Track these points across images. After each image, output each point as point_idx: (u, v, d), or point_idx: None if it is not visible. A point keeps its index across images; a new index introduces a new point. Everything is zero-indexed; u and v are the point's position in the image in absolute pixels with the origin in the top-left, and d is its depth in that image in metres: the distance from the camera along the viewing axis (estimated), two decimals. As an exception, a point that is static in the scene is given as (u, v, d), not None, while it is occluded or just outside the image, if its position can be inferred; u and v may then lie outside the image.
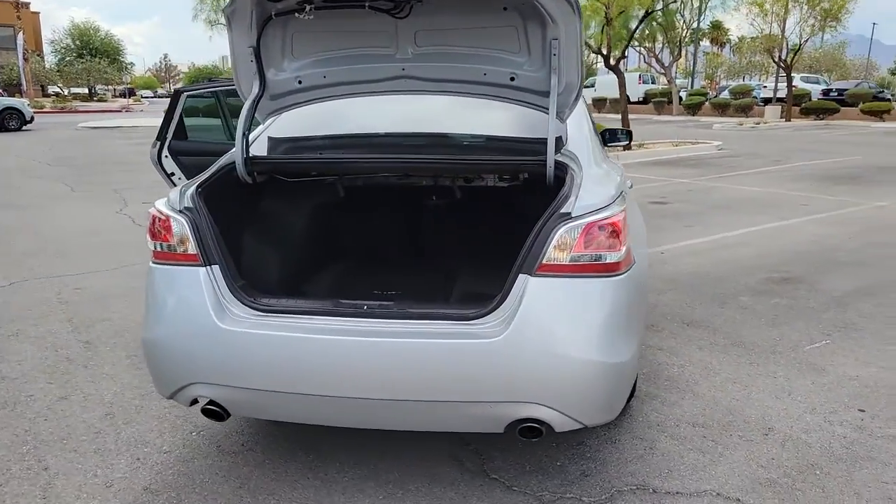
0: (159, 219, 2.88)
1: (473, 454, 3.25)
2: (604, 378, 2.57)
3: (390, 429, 2.95)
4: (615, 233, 2.58)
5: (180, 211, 2.86)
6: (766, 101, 35.38)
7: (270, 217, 3.64)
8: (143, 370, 4.21)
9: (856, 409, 3.68)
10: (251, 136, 3.31)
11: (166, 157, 5.28)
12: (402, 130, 3.55)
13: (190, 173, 5.20)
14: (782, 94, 33.10)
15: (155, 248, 2.88)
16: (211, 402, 2.82)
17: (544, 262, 2.53)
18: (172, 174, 5.30)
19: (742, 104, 33.28)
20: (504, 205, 3.72)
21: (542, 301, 2.52)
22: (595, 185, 2.74)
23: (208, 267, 2.76)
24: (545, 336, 2.51)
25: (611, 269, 2.56)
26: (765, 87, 39.18)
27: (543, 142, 3.32)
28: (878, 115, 28.37)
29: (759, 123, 28.27)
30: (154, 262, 2.88)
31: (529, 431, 2.63)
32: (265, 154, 3.43)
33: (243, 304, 2.75)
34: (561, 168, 2.89)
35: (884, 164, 14.32)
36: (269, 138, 3.52)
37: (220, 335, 2.68)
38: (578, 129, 3.24)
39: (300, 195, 3.78)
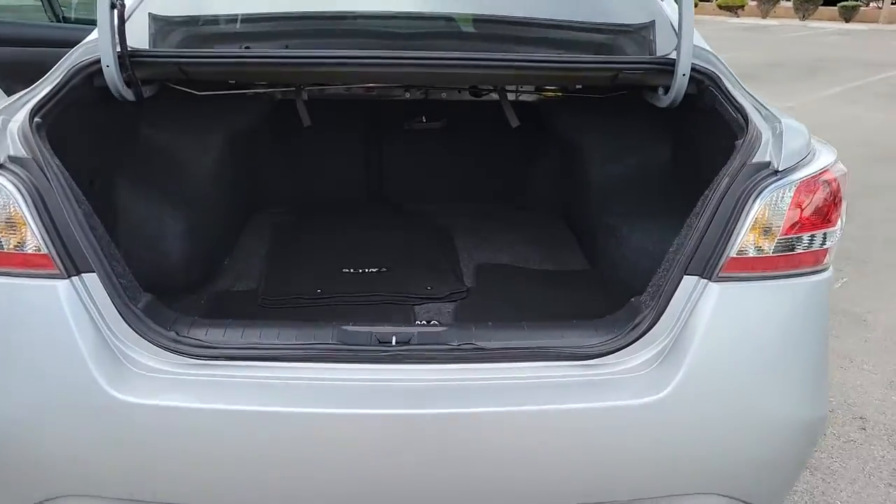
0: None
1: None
2: (811, 441, 1.58)
3: None
4: (835, 196, 1.51)
5: (1, 165, 1.43)
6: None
7: (165, 160, 2.24)
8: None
9: (937, 379, 3.01)
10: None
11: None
12: (387, 9, 2.19)
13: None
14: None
15: (-47, 237, 1.44)
16: None
17: (735, 254, 1.42)
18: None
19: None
20: (527, 130, 2.54)
21: (732, 325, 1.44)
22: (783, 114, 1.64)
23: (75, 278, 1.40)
24: (739, 387, 1.45)
25: (819, 261, 1.51)
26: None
27: (629, 31, 2.13)
28: (734, 10, 29.02)
29: (623, 17, 28.02)
30: None
31: None
32: (149, 47, 1.94)
33: (157, 344, 1.43)
34: (700, 79, 1.75)
35: (766, 62, 14.27)
36: (153, 18, 2.02)
37: (115, 413, 1.38)
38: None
39: (214, 119, 2.38)
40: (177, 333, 1.46)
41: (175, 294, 2.19)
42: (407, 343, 1.47)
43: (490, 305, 2.18)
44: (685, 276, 1.44)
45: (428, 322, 2.09)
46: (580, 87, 2.36)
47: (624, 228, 2.26)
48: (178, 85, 2.04)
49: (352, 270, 2.38)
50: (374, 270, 2.37)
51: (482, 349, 1.46)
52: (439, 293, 2.24)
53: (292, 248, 2.57)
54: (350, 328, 1.51)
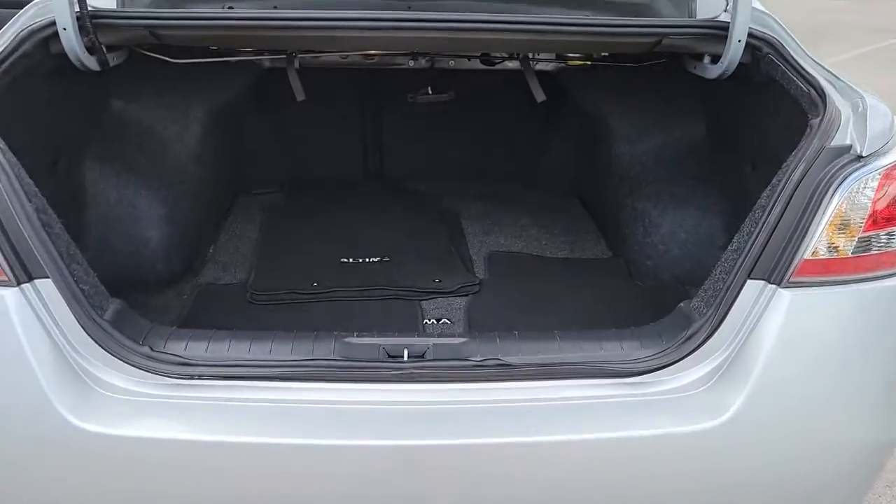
0: None
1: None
2: (883, 462, 1.40)
3: None
4: (921, 187, 1.29)
5: None
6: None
7: (138, 137, 2.01)
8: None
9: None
10: None
11: None
12: None
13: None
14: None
15: None
16: None
17: (808, 255, 1.21)
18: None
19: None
20: (544, 103, 2.30)
21: (805, 337, 1.24)
22: (860, 88, 1.43)
23: (26, 285, 1.18)
24: (812, 409, 1.26)
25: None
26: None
27: None
28: (732, -26, 28.44)
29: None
30: None
31: None
32: (115, 7, 1.68)
33: (127, 361, 1.22)
34: (757, 46, 1.52)
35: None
36: None
37: (77, 446, 1.18)
38: None
39: (193, 90, 2.14)
40: (151, 348, 1.24)
41: (154, 288, 1.98)
42: (421, 357, 1.26)
43: (505, 301, 1.97)
44: (749, 281, 1.23)
45: (438, 321, 1.88)
46: (607, 54, 2.13)
47: (653, 213, 2.04)
48: (151, 52, 1.79)
49: (350, 260, 2.15)
50: (375, 260, 2.14)
51: (509, 366, 1.25)
52: (448, 286, 2.02)
53: (284, 235, 2.34)
54: (355, 340, 1.29)
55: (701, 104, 2.06)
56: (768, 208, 1.25)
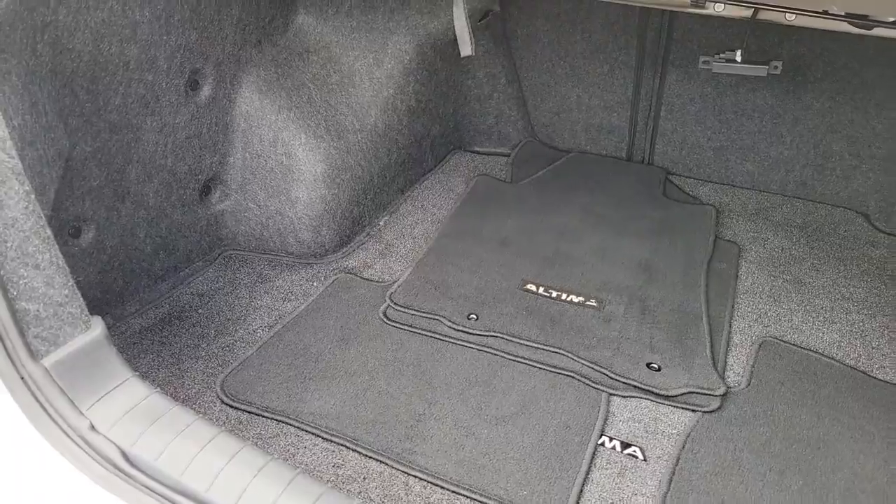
0: None
1: None
2: None
3: None
4: None
5: None
6: None
7: (318, 63, 1.87)
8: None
9: None
10: None
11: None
12: None
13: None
14: None
15: None
16: None
17: None
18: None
19: None
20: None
21: None
22: None
23: None
24: None
25: None
26: None
27: None
28: None
29: None
30: None
31: None
32: None
33: (58, 442, 0.90)
34: None
35: None
36: None
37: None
38: None
39: (397, 17, 1.85)
40: (92, 425, 0.90)
41: (293, 261, 1.71)
42: None
43: (759, 450, 1.22)
44: None
45: (623, 448, 1.23)
46: None
47: None
48: None
49: (540, 290, 1.59)
50: (575, 300, 1.55)
51: None
52: (667, 383, 1.34)
53: (472, 220, 1.82)
54: None
55: None
56: None
